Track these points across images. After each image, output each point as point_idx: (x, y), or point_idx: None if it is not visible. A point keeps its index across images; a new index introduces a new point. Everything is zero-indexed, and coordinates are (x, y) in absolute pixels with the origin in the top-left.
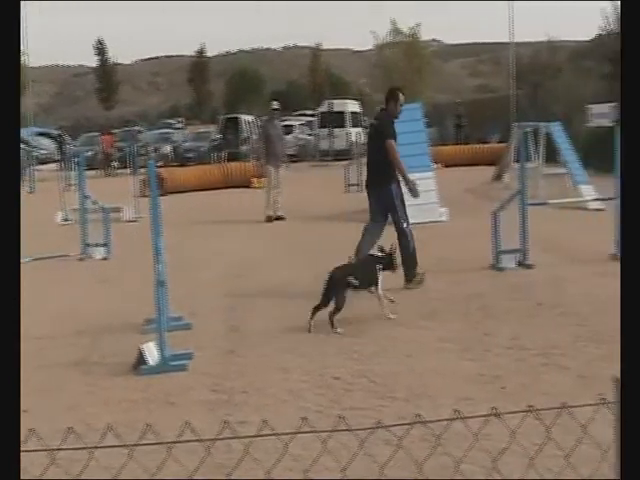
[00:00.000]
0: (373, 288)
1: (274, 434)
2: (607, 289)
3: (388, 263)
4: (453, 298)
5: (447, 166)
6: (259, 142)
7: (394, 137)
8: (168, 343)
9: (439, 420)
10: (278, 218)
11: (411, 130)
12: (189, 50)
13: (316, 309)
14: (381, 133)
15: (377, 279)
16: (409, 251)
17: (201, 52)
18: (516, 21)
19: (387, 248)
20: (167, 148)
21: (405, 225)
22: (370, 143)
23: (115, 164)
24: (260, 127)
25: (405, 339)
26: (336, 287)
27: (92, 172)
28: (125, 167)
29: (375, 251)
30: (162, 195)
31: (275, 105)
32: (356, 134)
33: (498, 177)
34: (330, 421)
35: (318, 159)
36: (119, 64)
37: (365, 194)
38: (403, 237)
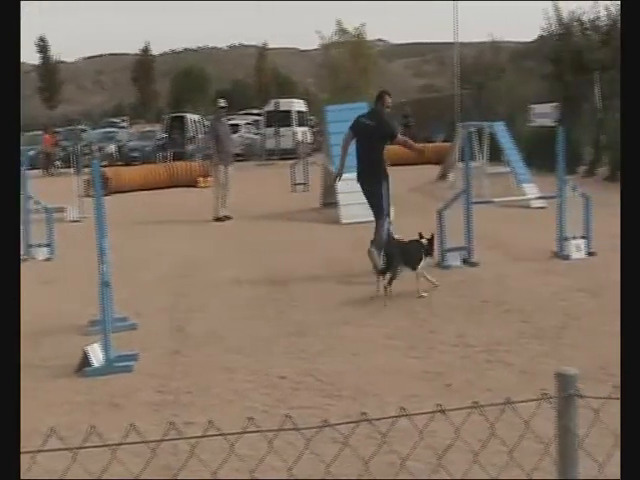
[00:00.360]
0: (418, 266)
1: (220, 434)
2: (550, 286)
3: (427, 249)
4: (399, 296)
5: (392, 165)
6: (209, 140)
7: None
8: (113, 344)
9: (385, 418)
10: (226, 217)
11: None
12: (134, 48)
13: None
14: (384, 131)
15: (420, 260)
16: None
17: (146, 50)
18: (460, 21)
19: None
20: (112, 147)
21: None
22: (366, 140)
23: (57, 163)
24: (209, 125)
25: (351, 337)
26: (392, 260)
27: (35, 172)
28: (69, 166)
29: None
30: (107, 195)
31: (222, 103)
32: (302, 133)
33: (443, 176)
34: (276, 420)
35: (264, 158)
36: (62, 62)
37: (311, 194)
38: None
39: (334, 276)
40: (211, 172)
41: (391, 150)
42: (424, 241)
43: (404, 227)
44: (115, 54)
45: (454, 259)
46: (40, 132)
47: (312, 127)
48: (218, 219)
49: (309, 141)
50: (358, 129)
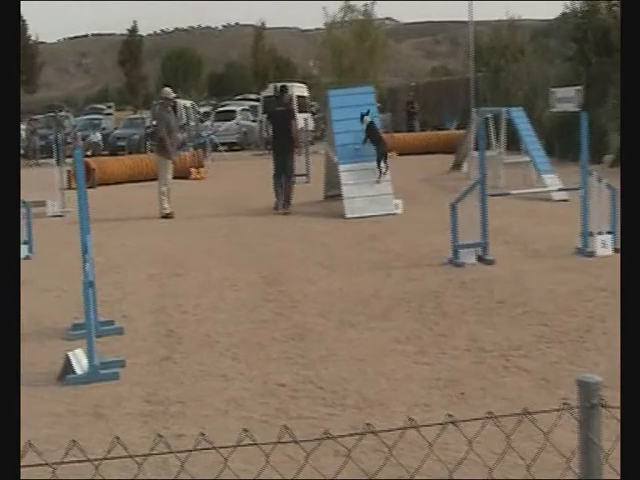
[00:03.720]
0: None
1: (213, 448)
2: (572, 285)
3: None
4: (408, 297)
5: (401, 154)
6: (161, 132)
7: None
8: (97, 350)
9: (392, 429)
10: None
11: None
12: (120, 28)
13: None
14: (291, 115)
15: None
16: (292, 191)
17: (134, 30)
18: None
19: None
20: (96, 136)
21: (293, 177)
22: (282, 121)
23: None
24: (157, 115)
25: (355, 342)
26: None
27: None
28: (50, 157)
29: None
30: (91, 187)
31: (170, 93)
32: (303, 120)
33: (456, 166)
34: (276, 432)
35: (262, 147)
36: (42, 43)
37: (313, 186)
38: (292, 183)
39: (337, 275)
40: (156, 165)
41: (398, 138)
42: None
43: (414, 221)
44: (100, 34)
45: (468, 256)
46: None
47: (314, 113)
48: (165, 216)
49: (311, 129)
50: (279, 115)
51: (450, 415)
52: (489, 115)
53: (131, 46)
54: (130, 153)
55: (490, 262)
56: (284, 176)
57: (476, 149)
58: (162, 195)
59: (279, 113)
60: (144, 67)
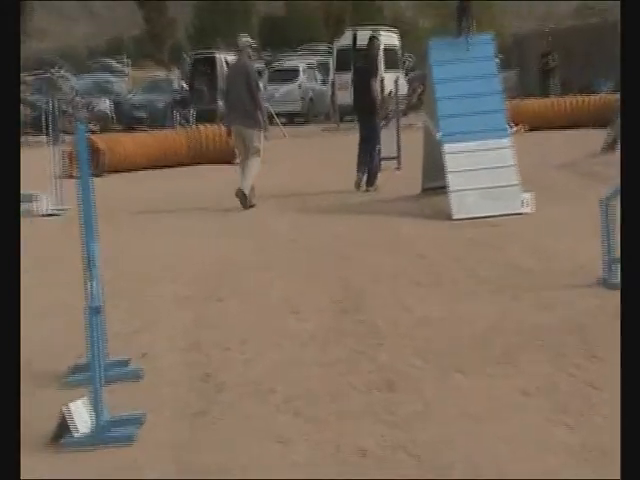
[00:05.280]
0: None
1: None
2: None
3: None
4: (540, 331)
5: (532, 129)
6: (256, 92)
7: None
8: (107, 401)
9: None
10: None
11: (479, 75)
12: None
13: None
14: (370, 74)
15: None
16: (377, 165)
17: None
18: None
19: None
20: (105, 103)
21: (378, 147)
22: (364, 81)
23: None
24: (241, 69)
25: (465, 393)
26: None
27: None
28: (42, 133)
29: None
30: (98, 175)
31: (248, 41)
32: (393, 81)
33: (611, 146)
34: None
35: (335, 120)
36: None
37: (406, 173)
38: (377, 155)
39: (440, 299)
40: (249, 139)
41: (528, 107)
42: None
43: (550, 224)
44: None
45: None
46: None
47: (408, 71)
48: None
49: (403, 93)
50: (359, 73)
51: None
52: None
53: None
54: (152, 128)
55: None
56: (369, 146)
57: None
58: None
59: (361, 71)
60: (171, 9)
